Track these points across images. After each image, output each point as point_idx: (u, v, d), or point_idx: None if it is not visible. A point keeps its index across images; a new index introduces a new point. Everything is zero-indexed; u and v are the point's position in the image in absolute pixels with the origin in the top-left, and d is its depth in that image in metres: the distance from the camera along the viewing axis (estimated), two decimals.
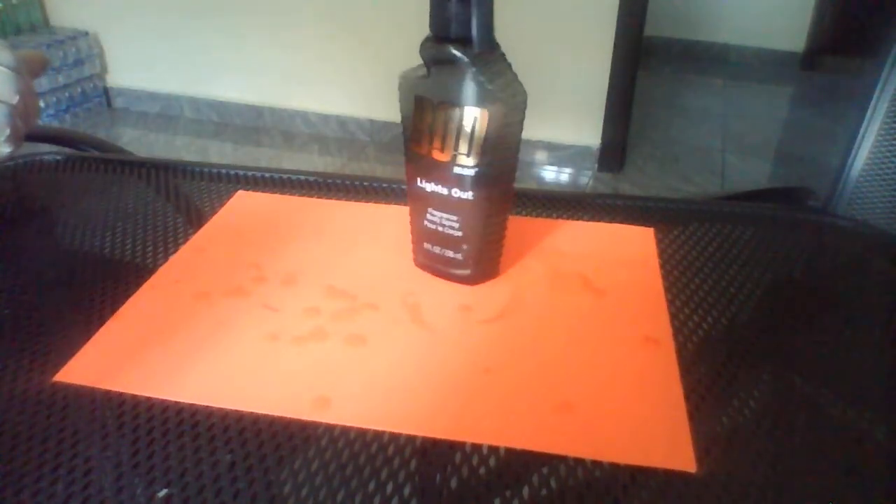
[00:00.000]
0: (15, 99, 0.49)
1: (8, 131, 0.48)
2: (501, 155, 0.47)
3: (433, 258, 0.52)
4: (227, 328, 0.47)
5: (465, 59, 0.43)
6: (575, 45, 2.22)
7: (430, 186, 0.49)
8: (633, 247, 0.57)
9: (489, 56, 0.44)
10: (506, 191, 0.50)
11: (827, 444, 0.39)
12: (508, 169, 0.49)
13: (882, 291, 0.54)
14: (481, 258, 0.51)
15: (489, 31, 0.44)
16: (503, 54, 0.46)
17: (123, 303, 0.49)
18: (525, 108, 0.46)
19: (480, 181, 0.47)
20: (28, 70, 0.52)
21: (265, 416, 0.40)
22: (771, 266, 0.55)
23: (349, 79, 2.50)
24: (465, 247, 0.50)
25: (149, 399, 0.41)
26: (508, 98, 0.45)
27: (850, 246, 0.60)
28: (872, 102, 0.66)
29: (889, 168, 0.66)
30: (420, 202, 0.50)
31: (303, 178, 0.67)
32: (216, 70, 2.63)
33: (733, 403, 0.41)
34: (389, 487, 0.36)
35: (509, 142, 0.47)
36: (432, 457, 0.38)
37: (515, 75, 0.46)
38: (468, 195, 0.48)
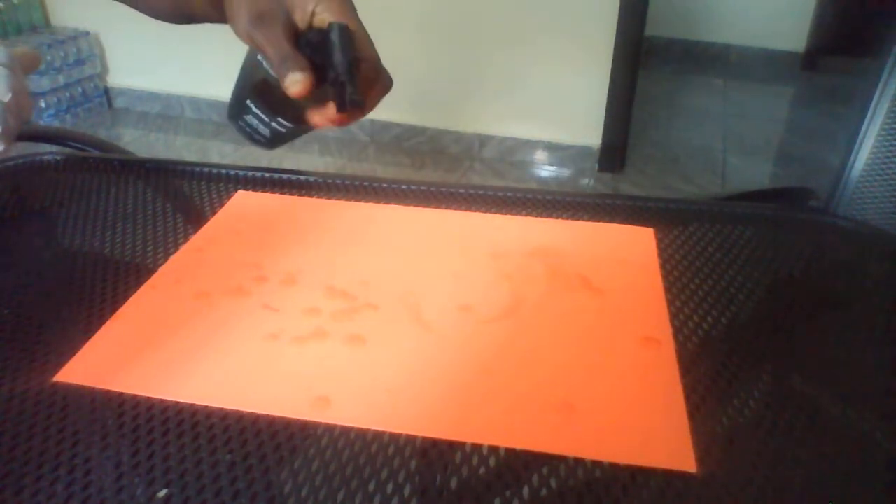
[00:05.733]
0: (7, 97, 0.49)
1: (0, 129, 0.48)
2: None
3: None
4: (228, 328, 0.47)
5: None
6: (575, 45, 2.21)
7: None
8: (633, 247, 0.57)
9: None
10: None
11: (827, 444, 0.39)
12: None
13: (882, 291, 0.54)
14: None
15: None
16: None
17: (123, 303, 0.49)
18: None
19: None
20: (21, 67, 0.52)
21: (265, 416, 0.40)
22: (771, 266, 0.55)
23: None
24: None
25: (149, 399, 0.41)
26: None
27: (850, 246, 0.60)
28: (873, 102, 0.66)
29: (889, 168, 0.66)
30: None
31: (303, 178, 0.67)
32: (217, 70, 2.63)
33: (733, 403, 0.41)
34: (389, 487, 0.36)
35: None
36: (432, 457, 0.38)
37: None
38: None
